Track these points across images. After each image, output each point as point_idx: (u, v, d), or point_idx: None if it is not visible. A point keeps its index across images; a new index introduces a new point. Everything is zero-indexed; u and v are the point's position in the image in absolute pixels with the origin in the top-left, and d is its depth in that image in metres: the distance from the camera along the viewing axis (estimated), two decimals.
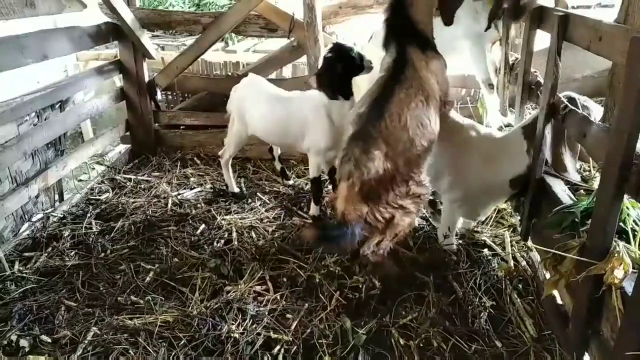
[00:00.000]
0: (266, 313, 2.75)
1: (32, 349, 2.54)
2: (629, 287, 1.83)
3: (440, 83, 2.72)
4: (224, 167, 4.07)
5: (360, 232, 2.46)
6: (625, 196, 1.91)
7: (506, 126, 3.57)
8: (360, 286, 2.90)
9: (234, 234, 3.51)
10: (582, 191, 2.65)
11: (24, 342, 2.55)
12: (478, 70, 3.69)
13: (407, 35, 2.69)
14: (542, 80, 2.96)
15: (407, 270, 2.99)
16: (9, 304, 2.85)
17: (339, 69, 3.16)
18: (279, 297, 2.87)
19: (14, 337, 2.58)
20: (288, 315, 2.74)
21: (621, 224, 2.03)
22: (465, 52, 3.66)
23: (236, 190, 4.14)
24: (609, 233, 1.91)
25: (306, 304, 2.80)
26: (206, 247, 3.39)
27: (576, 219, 2.25)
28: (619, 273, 1.85)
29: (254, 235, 3.52)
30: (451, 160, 3.02)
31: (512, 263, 3.08)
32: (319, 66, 3.34)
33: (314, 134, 3.43)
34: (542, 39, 3.07)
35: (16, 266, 3.22)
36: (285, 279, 3.02)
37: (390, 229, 2.57)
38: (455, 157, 3.02)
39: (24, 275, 3.11)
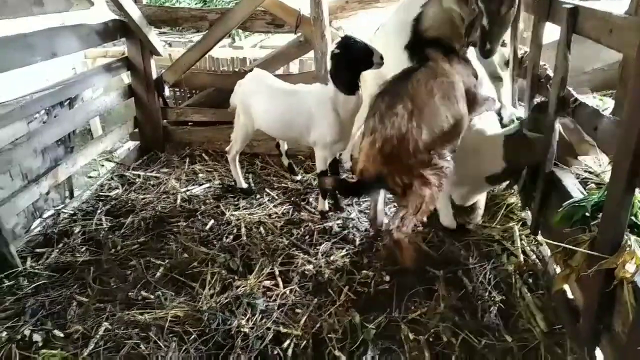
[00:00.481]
0: (275, 308, 2.76)
1: (45, 344, 2.57)
2: None
3: (466, 83, 2.79)
4: (232, 162, 4.08)
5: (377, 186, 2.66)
6: (637, 190, 1.89)
7: (517, 119, 3.54)
8: (370, 281, 2.91)
9: (243, 230, 3.53)
10: (593, 185, 2.64)
11: (37, 337, 2.59)
12: (485, 63, 3.66)
13: (426, 45, 2.85)
14: (551, 74, 2.94)
15: (419, 263, 2.99)
16: (22, 300, 2.89)
17: (345, 64, 3.15)
18: (288, 292, 2.88)
19: (27, 332, 2.61)
20: (297, 310, 2.75)
21: (632, 217, 2.01)
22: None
23: (244, 185, 4.15)
24: (620, 227, 1.90)
25: (315, 299, 2.81)
26: (215, 242, 3.41)
27: (587, 213, 2.23)
28: (630, 267, 1.83)
29: (262, 231, 3.53)
30: None
31: (521, 257, 3.06)
32: (327, 62, 3.34)
33: (320, 128, 3.42)
34: (552, 32, 3.05)
35: (28, 262, 3.25)
36: (294, 274, 3.03)
37: (411, 198, 2.60)
38: None
39: (36, 271, 3.15)
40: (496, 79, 3.63)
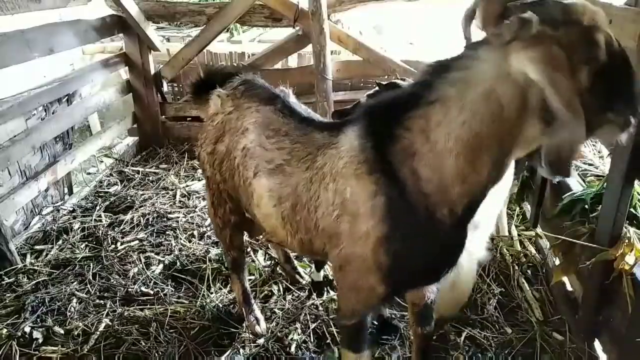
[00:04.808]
0: (277, 303, 2.76)
1: (46, 341, 2.57)
2: (639, 273, 1.82)
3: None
4: None
5: None
6: (636, 182, 1.89)
7: None
8: None
9: None
10: (592, 177, 2.63)
11: (37, 334, 2.59)
12: None
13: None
14: None
15: None
16: (21, 297, 2.88)
17: None
18: (289, 287, 2.88)
19: (27, 329, 2.61)
20: (298, 305, 2.75)
21: (632, 209, 2.01)
22: None
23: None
24: (620, 219, 1.89)
25: (315, 293, 2.81)
26: (215, 238, 3.40)
27: (586, 206, 2.23)
28: (629, 259, 1.84)
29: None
30: None
31: (519, 248, 3.06)
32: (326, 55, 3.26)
33: None
34: None
35: (28, 259, 3.25)
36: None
37: None
38: None
39: (36, 268, 3.14)
40: None
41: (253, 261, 3.11)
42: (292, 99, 2.18)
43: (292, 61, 6.01)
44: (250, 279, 2.82)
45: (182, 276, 3.02)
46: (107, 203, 3.94)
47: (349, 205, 1.64)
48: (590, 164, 2.83)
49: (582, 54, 1.28)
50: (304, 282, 2.92)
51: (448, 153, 1.41)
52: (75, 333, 2.60)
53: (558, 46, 1.27)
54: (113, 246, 3.36)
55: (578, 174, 2.66)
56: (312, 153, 1.84)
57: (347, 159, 1.64)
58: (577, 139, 1.28)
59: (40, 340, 2.56)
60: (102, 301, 2.83)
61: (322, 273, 2.86)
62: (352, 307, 1.82)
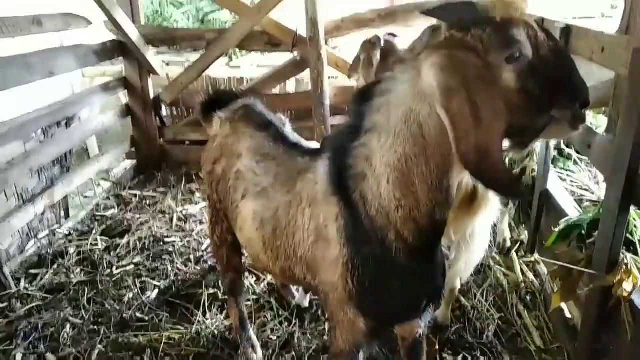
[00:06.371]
0: (273, 328, 2.73)
1: None
2: (638, 299, 1.80)
3: None
4: None
5: None
6: (632, 207, 1.89)
7: None
8: None
9: None
10: (588, 202, 2.64)
11: None
12: None
13: None
14: None
15: None
16: (14, 322, 2.84)
17: None
18: (285, 312, 2.86)
19: (19, 356, 2.56)
20: (293, 331, 2.72)
21: (628, 235, 2.01)
22: None
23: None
24: (616, 245, 1.89)
25: (311, 314, 2.78)
26: (211, 262, 3.38)
27: (583, 231, 2.23)
28: (627, 286, 1.82)
29: None
30: None
31: (520, 277, 3.05)
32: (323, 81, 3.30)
33: None
34: None
35: (22, 283, 3.22)
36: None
37: None
38: None
39: (30, 292, 3.11)
40: None
41: (251, 286, 3.08)
42: (287, 128, 2.21)
43: (290, 86, 6.06)
44: (246, 305, 2.79)
45: (178, 301, 2.99)
46: (104, 227, 3.92)
47: (322, 230, 1.64)
48: (586, 189, 2.84)
49: (500, 53, 1.20)
50: (293, 303, 2.90)
51: (383, 177, 1.42)
52: None
53: (467, 49, 1.21)
54: (108, 270, 3.33)
55: (574, 200, 2.67)
56: (293, 177, 1.84)
57: (320, 183, 1.65)
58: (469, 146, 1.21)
59: None
60: (96, 327, 2.79)
61: (308, 297, 2.87)
62: (340, 345, 1.77)
